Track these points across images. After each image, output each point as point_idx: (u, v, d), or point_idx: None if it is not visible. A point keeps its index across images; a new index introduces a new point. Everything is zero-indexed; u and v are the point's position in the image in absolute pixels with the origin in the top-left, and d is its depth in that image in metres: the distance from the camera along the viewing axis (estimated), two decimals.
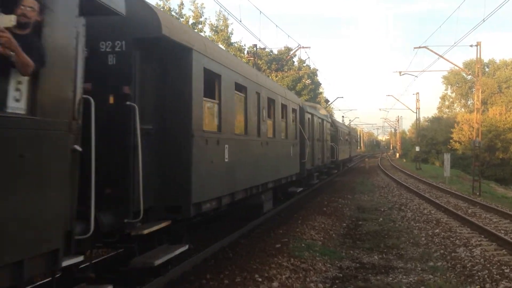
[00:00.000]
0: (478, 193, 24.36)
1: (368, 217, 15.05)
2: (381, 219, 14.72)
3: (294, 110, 15.11)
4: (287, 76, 40.18)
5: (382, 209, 16.87)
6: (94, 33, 5.11)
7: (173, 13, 29.53)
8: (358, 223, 13.99)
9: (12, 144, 3.40)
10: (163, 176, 6.45)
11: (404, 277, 8.37)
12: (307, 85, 42.04)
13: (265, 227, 11.57)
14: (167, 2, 29.39)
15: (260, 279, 7.05)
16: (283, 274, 7.56)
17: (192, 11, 30.62)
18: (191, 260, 7.76)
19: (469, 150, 45.55)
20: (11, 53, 3.40)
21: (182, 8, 30.30)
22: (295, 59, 43.07)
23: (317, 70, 45.64)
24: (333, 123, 28.88)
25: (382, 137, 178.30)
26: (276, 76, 38.07)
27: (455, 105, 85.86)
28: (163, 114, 6.53)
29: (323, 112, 24.77)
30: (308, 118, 17.83)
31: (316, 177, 20.48)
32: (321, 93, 52.19)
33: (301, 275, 7.82)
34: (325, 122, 22.85)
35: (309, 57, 70.56)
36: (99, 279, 5.49)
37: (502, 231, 12.34)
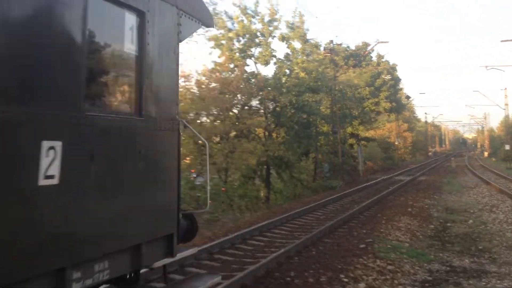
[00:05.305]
0: None
1: (457, 218, 14.34)
2: (470, 221, 13.97)
3: None
4: (366, 72, 39.14)
5: (472, 211, 15.99)
6: None
7: (248, 11, 29.94)
8: (446, 224, 13.37)
9: None
10: None
11: (498, 281, 7.91)
12: (386, 81, 40.69)
13: (347, 227, 11.40)
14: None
15: (346, 280, 6.96)
16: (370, 275, 7.40)
17: (268, 8, 30.84)
18: (274, 256, 7.82)
19: None
20: None
21: (258, 6, 30.64)
22: (373, 54, 41.91)
23: (397, 65, 43.91)
24: None
25: (468, 135, 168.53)
26: (354, 72, 37.24)
27: None
28: None
29: None
30: None
31: None
32: (401, 89, 50.40)
33: (388, 277, 7.61)
34: None
35: (388, 52, 68.70)
36: None
37: None
